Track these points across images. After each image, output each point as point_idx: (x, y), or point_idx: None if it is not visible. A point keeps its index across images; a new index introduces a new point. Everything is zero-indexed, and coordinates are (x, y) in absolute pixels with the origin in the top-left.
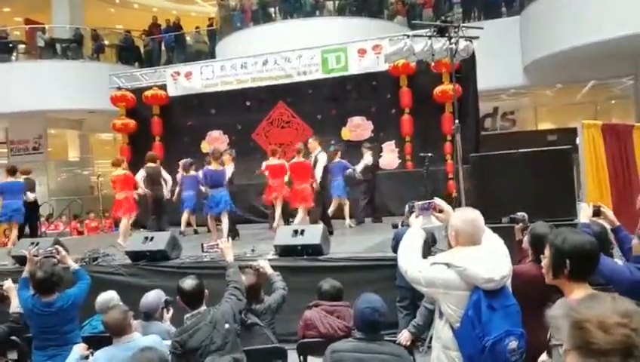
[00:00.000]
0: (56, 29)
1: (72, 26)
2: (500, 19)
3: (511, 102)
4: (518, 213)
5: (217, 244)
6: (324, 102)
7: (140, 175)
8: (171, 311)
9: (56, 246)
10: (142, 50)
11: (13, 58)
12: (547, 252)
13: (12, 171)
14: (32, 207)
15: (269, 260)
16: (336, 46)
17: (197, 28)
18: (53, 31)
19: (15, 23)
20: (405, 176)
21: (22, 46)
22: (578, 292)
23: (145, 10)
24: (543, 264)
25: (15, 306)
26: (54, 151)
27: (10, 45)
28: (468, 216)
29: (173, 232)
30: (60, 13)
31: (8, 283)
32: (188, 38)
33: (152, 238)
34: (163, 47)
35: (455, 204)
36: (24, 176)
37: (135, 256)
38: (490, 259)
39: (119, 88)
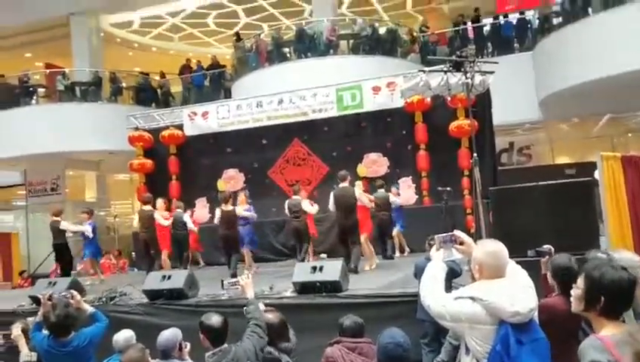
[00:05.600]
0: (76, 72)
1: (92, 69)
2: (512, 54)
3: (526, 137)
4: (545, 246)
5: (238, 281)
6: (339, 139)
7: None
8: (189, 346)
9: (71, 290)
10: (159, 91)
11: (34, 101)
12: (581, 282)
13: (91, 213)
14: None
15: (288, 297)
16: (351, 83)
17: (223, 66)
18: (73, 74)
19: (36, 67)
20: (424, 212)
21: (42, 90)
22: (609, 329)
23: (162, 54)
24: (573, 293)
25: (25, 355)
26: (72, 192)
27: (31, 89)
28: (491, 249)
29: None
30: (80, 57)
31: (16, 331)
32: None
33: (169, 277)
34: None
35: (475, 238)
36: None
37: (152, 294)
38: (516, 292)
39: (137, 128)
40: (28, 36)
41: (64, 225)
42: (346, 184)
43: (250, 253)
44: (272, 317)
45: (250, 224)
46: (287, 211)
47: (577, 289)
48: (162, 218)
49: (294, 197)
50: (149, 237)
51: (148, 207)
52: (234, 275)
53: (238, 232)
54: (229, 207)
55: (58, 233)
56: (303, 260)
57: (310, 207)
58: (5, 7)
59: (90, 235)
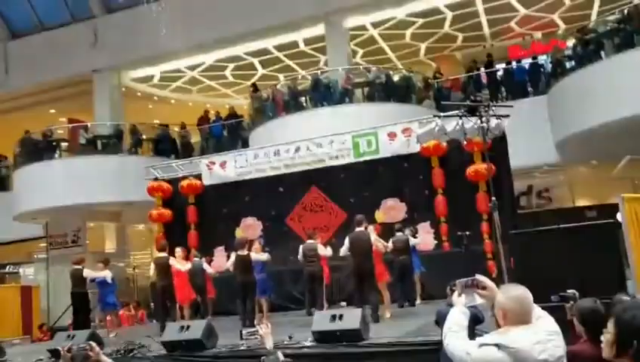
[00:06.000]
0: (97, 126)
1: (113, 123)
2: (527, 98)
3: (545, 180)
4: (569, 291)
5: (257, 331)
6: (356, 185)
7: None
8: None
9: (90, 342)
10: (178, 142)
11: (56, 155)
12: (611, 327)
13: (107, 262)
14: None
15: (307, 347)
16: (367, 130)
17: (241, 116)
18: (95, 128)
19: (60, 123)
20: (443, 258)
21: (64, 144)
22: None
23: (181, 105)
24: (603, 339)
25: None
26: (92, 244)
27: (54, 143)
28: (514, 293)
29: None
30: (101, 112)
31: None
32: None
33: (187, 327)
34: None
35: (497, 283)
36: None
37: (171, 346)
38: (543, 339)
39: (156, 179)
40: (52, 93)
41: (87, 272)
42: (362, 228)
43: (267, 303)
44: None
45: (265, 271)
46: (300, 256)
47: (607, 334)
48: (179, 263)
49: (309, 241)
50: (165, 285)
51: (163, 254)
52: (252, 325)
53: (255, 278)
54: (245, 252)
55: (80, 281)
56: (321, 308)
57: (325, 250)
58: (32, 67)
59: (110, 281)
